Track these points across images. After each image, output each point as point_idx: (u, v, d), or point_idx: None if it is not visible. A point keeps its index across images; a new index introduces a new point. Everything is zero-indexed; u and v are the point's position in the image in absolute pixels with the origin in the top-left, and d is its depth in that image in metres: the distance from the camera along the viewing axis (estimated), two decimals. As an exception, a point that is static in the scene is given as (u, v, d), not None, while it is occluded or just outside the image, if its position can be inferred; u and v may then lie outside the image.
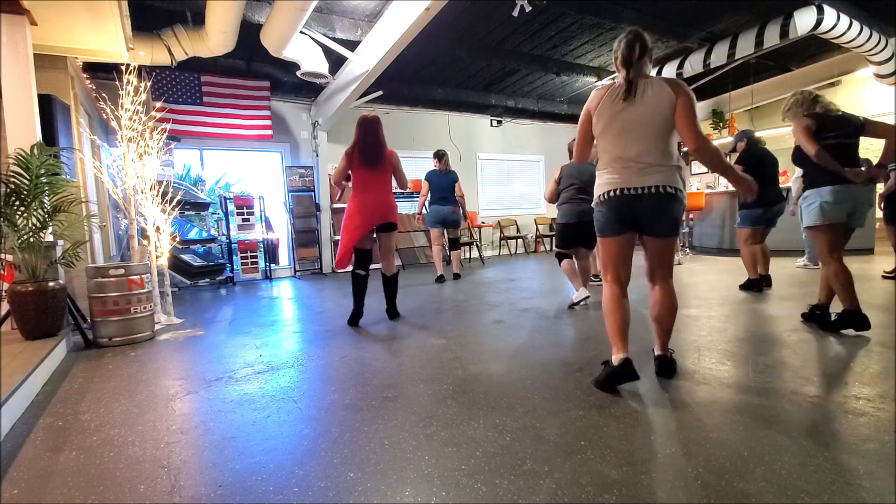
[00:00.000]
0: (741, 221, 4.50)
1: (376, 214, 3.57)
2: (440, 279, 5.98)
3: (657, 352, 2.23)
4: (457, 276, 6.15)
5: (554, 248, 4.30)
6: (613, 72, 7.72)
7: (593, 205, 2.18)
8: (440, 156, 6.12)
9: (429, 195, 6.08)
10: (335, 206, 7.79)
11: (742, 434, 1.58)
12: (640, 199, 2.00)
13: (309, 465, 1.51)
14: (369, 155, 3.55)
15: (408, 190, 7.06)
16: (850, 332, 2.76)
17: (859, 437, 1.52)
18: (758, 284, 4.35)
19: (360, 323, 3.66)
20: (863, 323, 2.74)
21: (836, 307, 2.87)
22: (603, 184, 2.11)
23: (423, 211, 6.31)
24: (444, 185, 6.01)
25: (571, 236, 4.00)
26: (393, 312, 3.86)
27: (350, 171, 3.63)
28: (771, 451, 1.46)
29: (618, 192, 2.04)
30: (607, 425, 1.70)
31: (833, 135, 2.80)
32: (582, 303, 3.88)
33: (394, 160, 3.69)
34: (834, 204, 2.76)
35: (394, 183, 3.78)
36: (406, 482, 1.38)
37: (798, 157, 2.98)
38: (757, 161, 4.48)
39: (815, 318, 3.01)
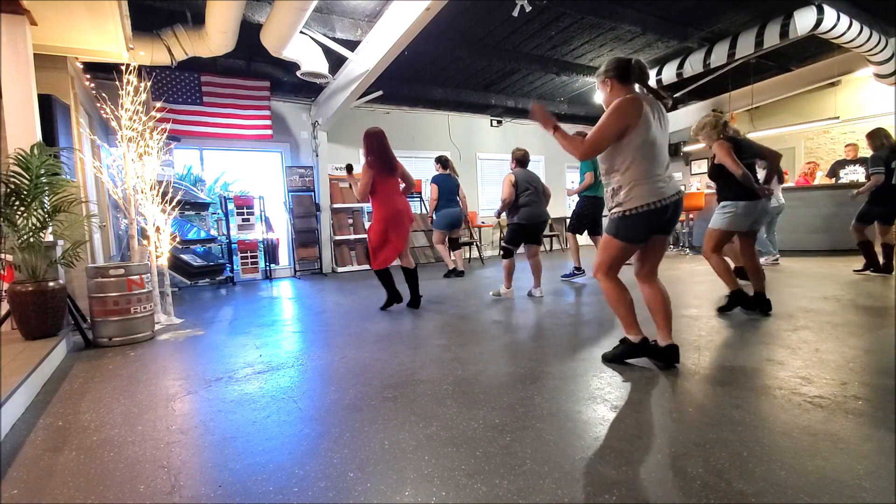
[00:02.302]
0: None
1: (409, 218, 4.04)
2: (451, 273, 6.29)
3: (668, 341, 2.29)
4: (461, 273, 6.33)
5: (504, 244, 4.52)
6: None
7: (625, 214, 2.19)
8: (446, 162, 6.32)
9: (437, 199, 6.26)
10: (335, 206, 7.79)
11: (742, 434, 1.58)
12: (672, 205, 2.18)
13: (309, 465, 1.51)
14: (389, 164, 3.94)
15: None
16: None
17: (859, 437, 1.52)
18: (738, 273, 4.55)
19: (361, 324, 3.68)
20: (746, 302, 3.35)
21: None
22: (646, 194, 2.13)
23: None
24: (452, 188, 6.27)
25: (530, 234, 4.43)
26: (418, 302, 4.16)
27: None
28: (771, 451, 1.46)
29: (663, 202, 2.15)
30: (607, 425, 1.70)
31: (746, 156, 3.37)
32: (500, 297, 4.43)
33: (401, 165, 4.10)
34: (745, 216, 3.36)
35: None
36: (406, 482, 1.38)
37: (717, 173, 3.45)
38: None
39: (757, 303, 3.38)
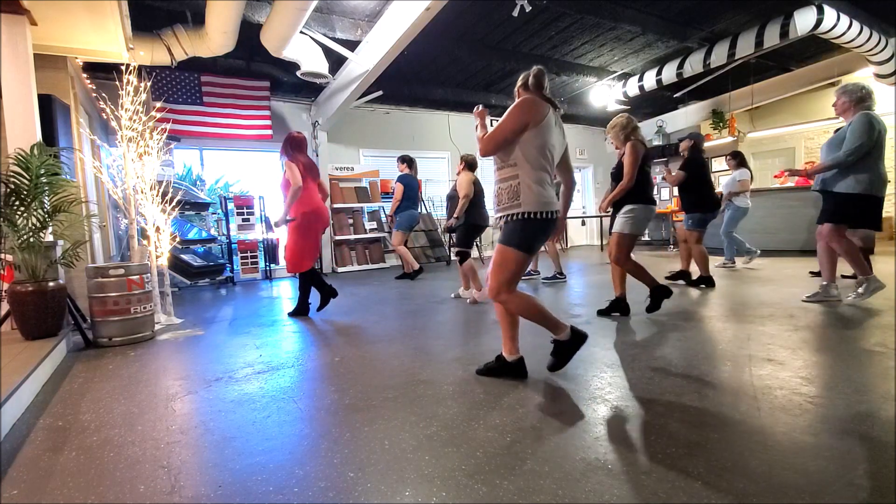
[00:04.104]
0: (693, 224, 4.80)
1: (327, 220, 4.06)
2: (419, 272, 6.25)
3: (516, 356, 2.26)
4: (420, 271, 6.33)
5: (460, 248, 4.56)
6: (614, 72, 7.74)
7: (525, 217, 2.09)
8: (411, 161, 6.23)
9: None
10: (336, 206, 7.78)
11: (742, 434, 1.57)
12: (556, 220, 2.15)
13: (309, 465, 1.51)
14: (314, 168, 3.99)
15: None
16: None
17: (860, 437, 1.52)
18: (708, 281, 4.69)
19: (361, 324, 3.68)
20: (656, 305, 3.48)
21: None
22: (549, 201, 2.09)
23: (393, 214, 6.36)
24: (416, 190, 6.22)
25: (478, 236, 4.59)
26: (304, 311, 4.05)
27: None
28: (772, 450, 1.46)
29: (554, 214, 2.12)
30: (607, 425, 1.70)
31: (649, 164, 3.60)
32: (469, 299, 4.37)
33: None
34: (646, 219, 3.51)
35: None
36: (406, 482, 1.38)
37: (621, 174, 3.53)
38: (699, 168, 4.81)
39: (615, 307, 3.53)
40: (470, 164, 4.62)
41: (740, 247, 5.91)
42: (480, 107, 2.42)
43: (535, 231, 2.10)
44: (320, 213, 3.96)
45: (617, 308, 3.50)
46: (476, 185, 4.48)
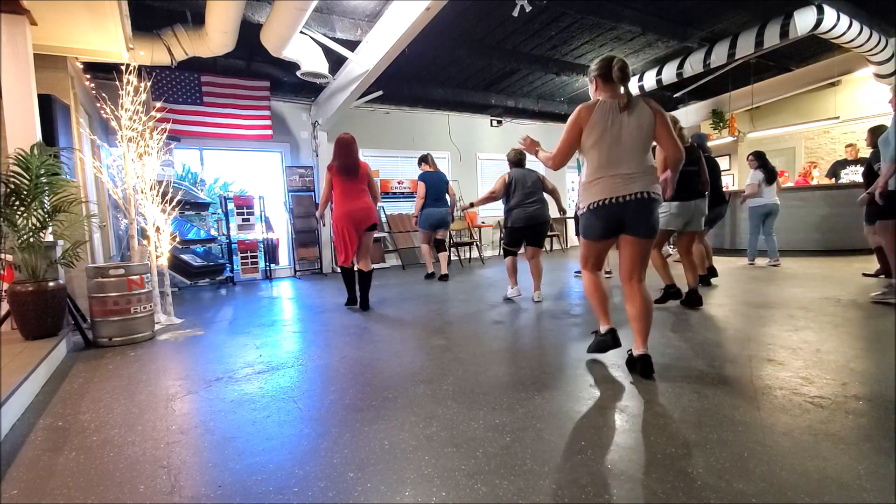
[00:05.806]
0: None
1: (358, 220, 4.10)
2: (431, 276, 6.10)
3: (640, 350, 2.20)
4: (445, 277, 6.01)
5: (504, 246, 4.59)
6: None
7: (580, 212, 2.38)
8: (425, 158, 6.12)
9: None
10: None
11: (742, 434, 1.58)
12: (623, 204, 2.18)
13: (309, 465, 1.51)
14: (348, 168, 4.12)
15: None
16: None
17: (860, 438, 1.52)
18: (711, 273, 4.80)
19: (361, 324, 3.68)
20: (679, 296, 3.70)
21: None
22: (594, 193, 2.25)
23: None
24: (439, 186, 6.00)
25: (525, 236, 4.29)
26: (365, 305, 4.23)
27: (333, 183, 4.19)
28: (772, 451, 1.46)
29: (612, 200, 2.20)
30: (607, 425, 1.70)
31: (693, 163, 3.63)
32: (513, 298, 4.40)
33: (367, 174, 4.22)
34: (678, 216, 3.73)
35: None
36: (406, 482, 1.38)
37: None
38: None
39: (670, 295, 3.78)
40: (514, 163, 4.42)
41: (750, 248, 5.92)
42: (529, 139, 2.62)
43: (584, 221, 2.35)
44: (344, 214, 4.09)
45: (669, 297, 3.74)
46: (511, 185, 4.19)
